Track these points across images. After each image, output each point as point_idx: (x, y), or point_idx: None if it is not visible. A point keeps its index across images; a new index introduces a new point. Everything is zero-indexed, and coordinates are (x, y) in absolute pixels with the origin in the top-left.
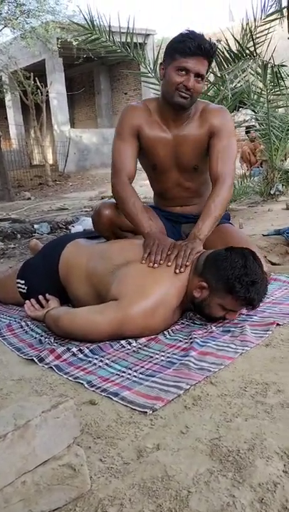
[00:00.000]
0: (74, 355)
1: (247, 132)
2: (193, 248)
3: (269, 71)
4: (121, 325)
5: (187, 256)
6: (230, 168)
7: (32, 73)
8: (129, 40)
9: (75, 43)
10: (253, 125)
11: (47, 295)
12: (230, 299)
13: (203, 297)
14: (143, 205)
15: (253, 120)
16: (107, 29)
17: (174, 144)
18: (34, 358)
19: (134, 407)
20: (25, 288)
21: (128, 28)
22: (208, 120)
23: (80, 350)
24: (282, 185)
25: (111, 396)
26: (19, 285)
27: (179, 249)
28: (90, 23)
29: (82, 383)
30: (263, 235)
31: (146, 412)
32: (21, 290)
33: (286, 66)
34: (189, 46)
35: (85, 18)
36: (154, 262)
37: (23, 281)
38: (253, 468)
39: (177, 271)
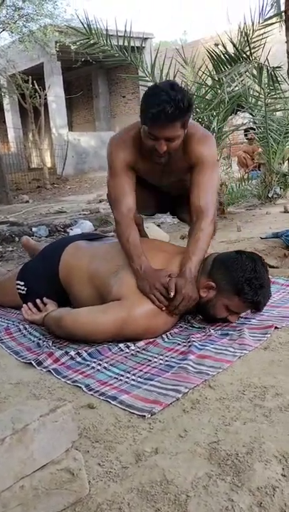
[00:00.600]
0: (72, 358)
1: (246, 134)
2: (192, 293)
3: (265, 74)
4: (124, 325)
5: (190, 303)
6: (211, 201)
7: (30, 76)
8: (126, 44)
9: (73, 47)
10: (252, 127)
11: (44, 299)
12: (237, 300)
13: (209, 297)
14: (139, 238)
15: (251, 123)
16: (105, 33)
17: (162, 171)
18: (32, 362)
19: (132, 411)
20: (25, 290)
21: (125, 31)
22: (192, 151)
23: (78, 354)
24: (280, 188)
25: (109, 400)
26: (18, 286)
27: (185, 299)
28: (87, 27)
29: (80, 387)
30: (261, 238)
31: (144, 416)
32: (20, 292)
33: (281, 69)
34: (154, 114)
35: (82, 23)
36: (162, 308)
37: (22, 283)
38: (252, 472)
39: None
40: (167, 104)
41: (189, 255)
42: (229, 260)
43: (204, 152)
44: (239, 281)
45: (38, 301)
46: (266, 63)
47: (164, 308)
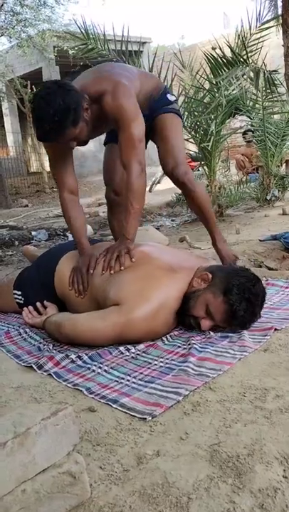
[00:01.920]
0: (73, 361)
1: (244, 136)
2: (125, 248)
3: (262, 78)
4: (124, 330)
5: (121, 256)
6: (133, 154)
7: (29, 81)
8: (124, 48)
9: (71, 52)
10: (250, 130)
11: (45, 302)
12: (220, 300)
13: (198, 288)
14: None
15: (249, 126)
16: (102, 38)
17: (98, 130)
18: (33, 365)
19: (133, 414)
20: (22, 299)
21: (123, 36)
22: (108, 110)
23: (79, 357)
24: (278, 190)
25: (110, 403)
26: (16, 296)
27: (111, 252)
28: (84, 32)
29: (81, 390)
30: (260, 240)
31: (145, 419)
32: (18, 301)
33: (278, 72)
34: (37, 134)
35: (80, 29)
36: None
37: (19, 293)
38: (253, 474)
39: (112, 272)
40: (39, 129)
41: (123, 223)
42: (235, 268)
43: (118, 111)
44: (232, 283)
45: (38, 304)
46: (263, 67)
47: (111, 272)
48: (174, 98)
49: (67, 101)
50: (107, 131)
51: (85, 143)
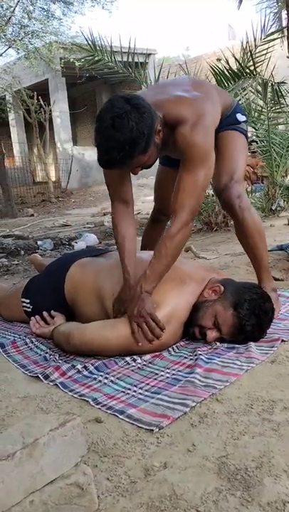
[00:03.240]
0: (79, 372)
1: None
2: (148, 315)
3: (269, 89)
4: (132, 340)
5: (152, 328)
6: (188, 202)
7: (35, 92)
8: (130, 60)
9: (77, 64)
10: (254, 140)
11: (52, 311)
12: (230, 314)
13: (208, 299)
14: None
15: (254, 137)
16: (109, 49)
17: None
18: (39, 375)
19: (140, 425)
20: (30, 307)
21: (129, 48)
22: (178, 142)
23: (85, 367)
24: (284, 200)
25: (117, 414)
26: (24, 304)
27: (136, 315)
28: (91, 44)
29: (87, 401)
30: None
31: (152, 430)
32: (26, 309)
33: (286, 83)
34: (99, 160)
35: (87, 40)
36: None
37: (28, 301)
38: (262, 487)
39: (148, 344)
40: (104, 156)
41: (148, 269)
42: (247, 284)
43: (194, 148)
44: (244, 298)
45: (45, 313)
46: (271, 78)
47: (140, 344)
48: (244, 119)
49: (141, 126)
50: (170, 155)
51: (149, 167)
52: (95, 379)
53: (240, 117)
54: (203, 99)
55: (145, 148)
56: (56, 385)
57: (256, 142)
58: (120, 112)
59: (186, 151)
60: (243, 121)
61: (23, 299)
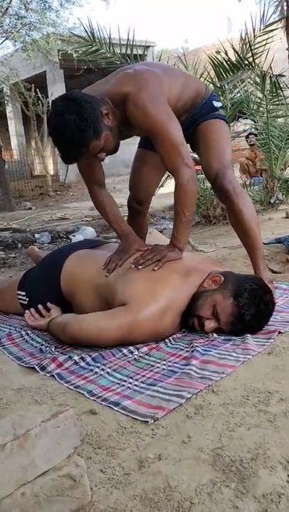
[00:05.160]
0: (76, 363)
1: (246, 138)
2: (173, 258)
3: (268, 81)
4: (130, 329)
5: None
6: (177, 158)
7: (33, 84)
8: (129, 51)
9: (75, 55)
10: (253, 133)
11: (48, 304)
12: (229, 303)
13: (207, 289)
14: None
15: (253, 129)
16: (108, 41)
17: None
18: (36, 367)
19: (135, 417)
20: (26, 300)
21: (128, 39)
22: (133, 120)
23: (82, 359)
24: (282, 194)
25: (112, 406)
26: (20, 296)
27: (157, 253)
28: (90, 34)
29: (82, 393)
30: (264, 244)
31: (147, 422)
32: (22, 302)
33: (285, 76)
34: (61, 158)
35: (86, 30)
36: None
37: (23, 293)
38: (257, 479)
39: (140, 267)
40: (62, 152)
41: (173, 231)
42: (248, 275)
43: (146, 117)
44: (244, 288)
45: (40, 306)
46: (269, 71)
47: (140, 267)
48: (220, 105)
49: (82, 114)
50: (138, 134)
51: (114, 150)
52: (91, 370)
53: (217, 104)
54: (146, 71)
55: (95, 133)
56: (53, 376)
57: (255, 135)
58: (60, 109)
59: (142, 121)
60: (220, 107)
61: (19, 292)
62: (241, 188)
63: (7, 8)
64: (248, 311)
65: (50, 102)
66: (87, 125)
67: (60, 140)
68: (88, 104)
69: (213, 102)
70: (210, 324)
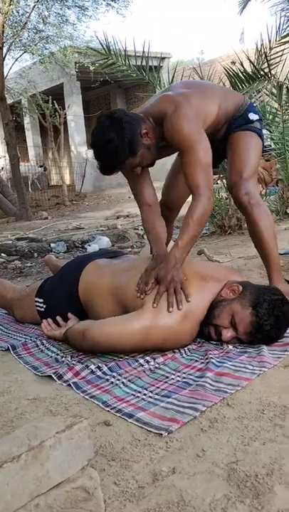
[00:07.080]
0: (92, 372)
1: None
2: (178, 278)
3: (284, 92)
4: (149, 333)
5: (178, 292)
6: (200, 178)
7: (50, 96)
8: (144, 63)
9: (92, 68)
10: (268, 145)
11: (69, 314)
12: (248, 313)
13: (225, 298)
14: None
15: (269, 139)
16: (123, 53)
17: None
18: (53, 375)
19: (149, 429)
20: (44, 307)
21: (143, 51)
22: (169, 137)
23: (99, 368)
24: None
25: (126, 417)
26: (37, 303)
27: (165, 281)
28: (106, 48)
29: (97, 403)
30: (280, 254)
31: (161, 434)
32: (39, 309)
33: None
34: (100, 170)
35: (102, 44)
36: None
37: (41, 300)
38: (272, 495)
39: (171, 309)
40: (100, 165)
41: (177, 241)
42: (267, 286)
43: (179, 135)
44: (263, 298)
45: (58, 318)
46: (286, 81)
47: (154, 305)
48: (257, 117)
49: (121, 134)
50: (174, 152)
51: (151, 165)
52: (107, 380)
53: (253, 116)
54: (185, 93)
55: (131, 151)
56: (69, 385)
57: (270, 145)
58: (102, 127)
59: (176, 138)
60: (256, 120)
61: (37, 299)
62: (259, 198)
63: (26, 23)
64: (267, 321)
65: (118, 106)
66: (124, 144)
67: (99, 155)
68: (128, 125)
69: (249, 114)
70: (228, 333)
